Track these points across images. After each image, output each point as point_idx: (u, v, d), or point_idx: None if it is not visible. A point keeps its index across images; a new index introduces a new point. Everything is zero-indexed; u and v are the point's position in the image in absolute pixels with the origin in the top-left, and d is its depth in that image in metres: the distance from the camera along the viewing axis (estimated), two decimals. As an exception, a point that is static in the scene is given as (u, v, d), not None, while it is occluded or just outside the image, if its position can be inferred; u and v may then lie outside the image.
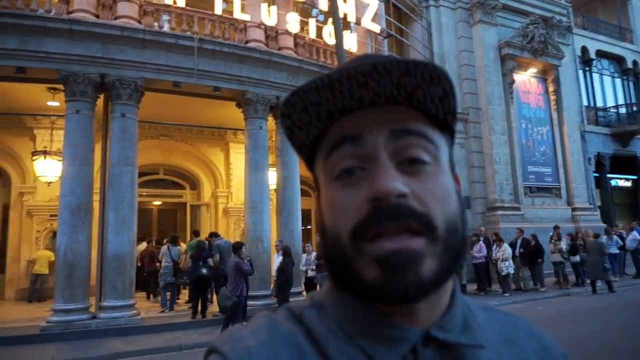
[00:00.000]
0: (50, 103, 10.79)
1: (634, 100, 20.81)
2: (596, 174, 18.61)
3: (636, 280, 13.70)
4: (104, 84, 9.29)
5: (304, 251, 10.58)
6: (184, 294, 11.80)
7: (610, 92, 20.53)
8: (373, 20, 13.04)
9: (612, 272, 12.93)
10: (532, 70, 17.08)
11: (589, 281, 12.37)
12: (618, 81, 20.99)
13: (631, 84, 21.24)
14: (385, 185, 0.47)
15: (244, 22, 10.99)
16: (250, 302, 8.93)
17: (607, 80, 20.66)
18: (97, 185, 9.62)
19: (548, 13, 17.78)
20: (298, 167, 10.99)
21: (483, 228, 13.65)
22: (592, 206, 17.47)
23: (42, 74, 9.24)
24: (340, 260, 0.50)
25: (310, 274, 10.22)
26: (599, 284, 12.05)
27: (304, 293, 10.44)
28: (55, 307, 8.41)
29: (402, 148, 0.50)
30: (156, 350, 7.39)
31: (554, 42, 17.13)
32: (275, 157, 11.42)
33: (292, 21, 11.35)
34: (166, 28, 10.34)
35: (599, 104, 19.95)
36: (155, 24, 10.16)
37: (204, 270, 9.67)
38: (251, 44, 10.88)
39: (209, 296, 10.45)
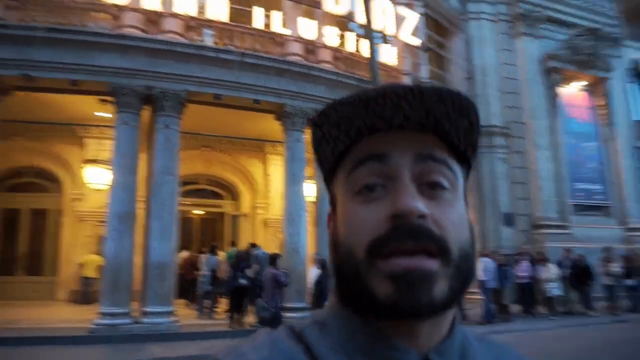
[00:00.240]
0: (98, 114, 11.32)
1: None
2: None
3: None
4: (150, 96, 9.67)
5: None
6: (224, 303, 11.93)
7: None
8: (412, 34, 13.00)
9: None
10: (579, 84, 16.50)
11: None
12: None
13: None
14: (408, 204, 0.49)
15: (283, 35, 11.21)
16: (286, 314, 8.92)
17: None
18: (141, 193, 9.95)
19: (595, 24, 17.16)
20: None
21: (528, 246, 13.14)
22: (646, 226, 16.50)
23: (93, 87, 9.72)
24: (353, 275, 0.51)
25: None
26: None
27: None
28: (101, 310, 8.71)
29: (424, 172, 0.52)
30: (193, 357, 7.46)
31: (602, 55, 16.49)
32: (314, 169, 11.48)
33: (331, 35, 11.47)
34: (209, 42, 10.70)
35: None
36: (199, 38, 10.53)
37: (243, 280, 9.76)
38: (290, 58, 11.07)
39: (246, 306, 10.52)
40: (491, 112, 15.20)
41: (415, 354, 0.51)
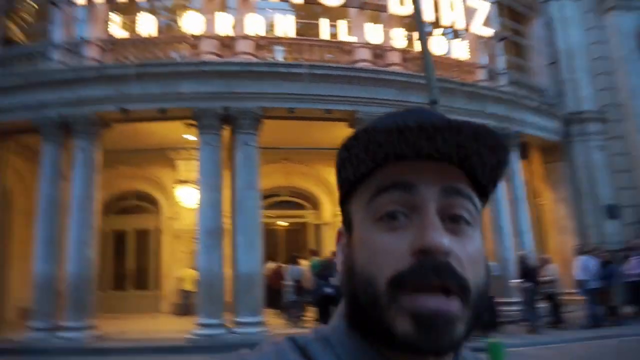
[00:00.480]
0: (186, 136, 12.21)
1: None
2: None
3: None
4: (228, 116, 10.25)
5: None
6: (312, 311, 12.15)
7: None
8: (484, 24, 12.44)
9: None
10: (687, 55, 14.58)
11: None
12: None
13: None
14: (435, 241, 0.48)
15: (351, 43, 11.31)
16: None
17: None
18: (227, 208, 10.53)
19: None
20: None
21: (638, 240, 11.82)
22: None
23: (179, 113, 10.52)
24: (370, 304, 0.50)
25: None
26: None
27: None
28: (198, 322, 9.33)
29: (449, 206, 0.52)
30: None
31: None
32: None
33: (398, 37, 11.35)
34: (279, 58, 11.13)
35: None
36: (269, 55, 10.99)
37: (328, 289, 9.88)
38: (358, 64, 11.13)
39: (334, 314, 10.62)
40: (582, 97, 13.99)
41: None
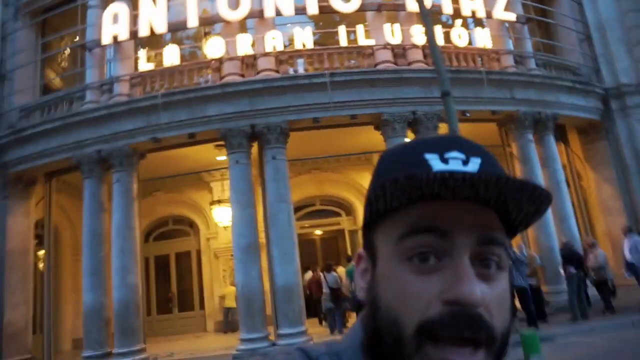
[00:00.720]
0: (219, 158, 12.43)
1: None
2: None
3: None
4: (255, 133, 10.36)
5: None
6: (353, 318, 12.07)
7: None
8: (506, 9, 12.06)
9: None
10: None
11: None
12: None
13: None
14: (469, 294, 0.48)
15: (370, 47, 11.22)
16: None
17: None
18: (261, 223, 10.62)
19: None
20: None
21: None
22: None
23: (208, 135, 10.74)
24: (395, 346, 0.50)
25: None
26: None
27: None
28: (241, 337, 9.44)
29: (482, 253, 0.51)
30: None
31: None
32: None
33: (417, 34, 11.16)
34: (300, 70, 11.17)
35: None
36: (291, 69, 11.05)
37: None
38: (380, 66, 11.01)
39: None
40: (618, 71, 13.29)
41: None
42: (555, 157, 11.91)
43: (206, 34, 12.28)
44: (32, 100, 12.38)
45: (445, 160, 0.52)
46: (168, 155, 11.55)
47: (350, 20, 11.74)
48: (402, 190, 0.50)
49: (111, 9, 11.08)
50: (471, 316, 0.48)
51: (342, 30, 11.15)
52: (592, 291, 10.03)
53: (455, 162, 0.52)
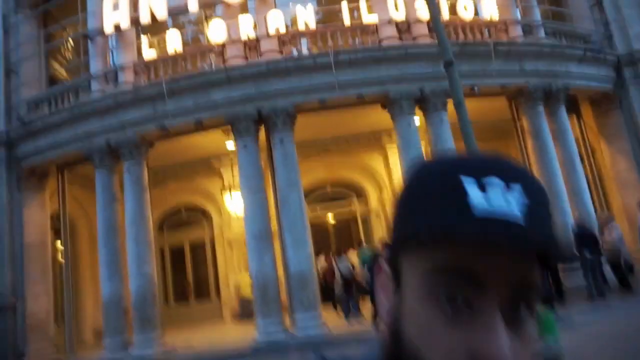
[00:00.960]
0: (227, 142, 12.40)
1: None
2: None
3: None
4: (261, 117, 10.30)
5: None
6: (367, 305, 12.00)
7: None
8: (513, -23, 11.75)
9: None
10: None
11: None
12: None
13: None
14: (499, 354, 0.45)
15: (374, 23, 11.02)
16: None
17: None
18: (272, 210, 10.61)
19: None
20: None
21: None
22: None
23: (214, 121, 10.70)
24: None
25: None
26: None
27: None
28: (257, 324, 9.47)
29: (515, 304, 0.48)
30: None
31: None
32: (431, 151, 11.03)
33: (422, 7, 10.93)
34: (304, 51, 11.03)
35: None
36: (294, 50, 10.92)
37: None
38: (384, 43, 10.83)
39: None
40: (632, 37, 12.90)
41: None
42: (568, 130, 11.67)
43: (207, 17, 12.16)
44: (39, 93, 12.45)
45: (483, 187, 0.47)
46: (177, 143, 11.56)
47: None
48: (435, 235, 0.48)
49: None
50: None
51: (344, 7, 10.95)
52: (607, 268, 9.86)
53: (494, 192, 0.47)
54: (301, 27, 10.87)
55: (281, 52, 10.83)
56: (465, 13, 11.18)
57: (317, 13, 11.13)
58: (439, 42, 6.30)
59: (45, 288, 11.46)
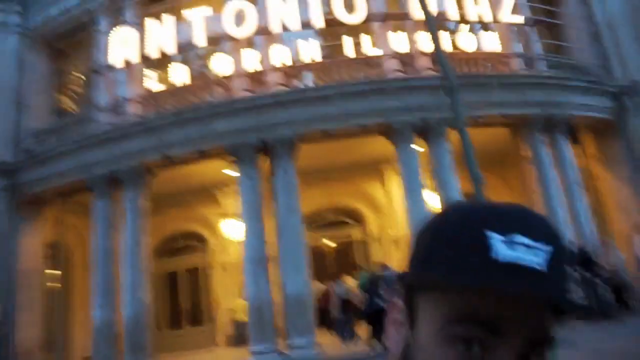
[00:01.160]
0: (226, 171, 12.40)
1: None
2: None
3: None
4: (265, 146, 10.35)
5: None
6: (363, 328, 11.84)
7: None
8: (513, 12, 11.95)
9: None
10: None
11: None
12: None
13: None
14: None
15: (378, 56, 11.18)
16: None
17: None
18: (272, 236, 10.55)
19: None
20: (458, 187, 10.41)
21: None
22: None
23: (217, 151, 10.74)
24: None
25: None
26: None
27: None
28: (251, 349, 9.42)
29: (529, 351, 0.49)
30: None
31: None
32: (432, 179, 11.03)
33: (424, 40, 11.09)
34: (308, 83, 11.16)
35: None
36: (299, 82, 11.06)
37: (379, 301, 9.61)
38: (389, 75, 10.96)
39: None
40: (630, 68, 13.07)
41: None
42: (569, 159, 11.72)
43: (214, 52, 12.35)
44: (46, 124, 12.60)
45: (507, 243, 0.48)
46: (178, 172, 11.58)
47: (356, 31, 11.70)
48: (457, 285, 0.49)
49: (120, 33, 11.23)
50: None
51: (348, 41, 11.12)
52: (608, 289, 9.83)
53: (518, 249, 0.48)
54: (306, 60, 11.00)
55: (286, 84, 10.98)
56: (467, 46, 11.33)
57: (321, 47, 11.26)
58: (442, 67, 6.37)
59: (35, 316, 11.41)
